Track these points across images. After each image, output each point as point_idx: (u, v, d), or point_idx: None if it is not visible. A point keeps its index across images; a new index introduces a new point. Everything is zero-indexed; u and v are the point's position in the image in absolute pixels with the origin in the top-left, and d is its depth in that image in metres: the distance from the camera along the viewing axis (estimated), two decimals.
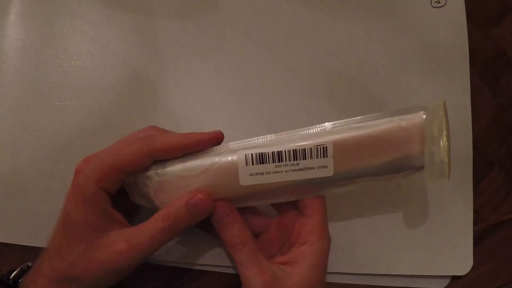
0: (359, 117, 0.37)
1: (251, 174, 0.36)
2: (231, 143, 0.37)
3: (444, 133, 0.37)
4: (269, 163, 0.36)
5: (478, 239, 0.52)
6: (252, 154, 0.36)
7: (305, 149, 0.36)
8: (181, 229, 0.35)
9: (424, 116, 0.37)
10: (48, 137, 0.44)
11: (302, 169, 0.36)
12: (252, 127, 0.48)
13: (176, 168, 0.36)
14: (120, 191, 0.37)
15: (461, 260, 0.50)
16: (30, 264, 0.38)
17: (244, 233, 0.37)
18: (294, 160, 0.36)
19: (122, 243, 0.34)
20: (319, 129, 0.37)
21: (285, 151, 0.36)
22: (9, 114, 0.46)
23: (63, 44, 0.47)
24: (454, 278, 0.50)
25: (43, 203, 0.43)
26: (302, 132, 0.37)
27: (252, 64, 0.48)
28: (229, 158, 0.36)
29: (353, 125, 0.36)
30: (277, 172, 0.36)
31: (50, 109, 0.46)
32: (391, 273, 0.47)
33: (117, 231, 0.35)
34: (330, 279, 0.47)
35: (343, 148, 0.36)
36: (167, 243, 0.36)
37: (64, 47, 0.47)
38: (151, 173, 0.36)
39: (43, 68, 0.47)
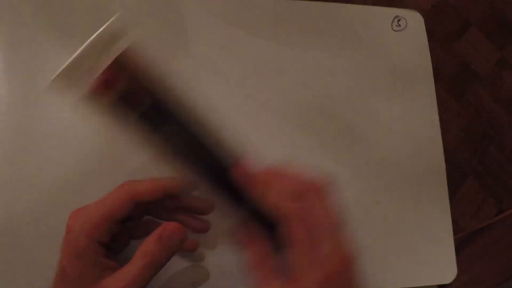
0: None
1: None
2: None
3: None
4: None
5: (461, 247, 0.54)
6: None
7: None
8: (162, 261, 0.36)
9: None
10: (40, 185, 0.46)
11: None
12: None
13: None
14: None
15: (445, 268, 0.52)
16: None
17: (257, 258, 0.39)
18: None
19: (111, 285, 0.35)
20: None
21: None
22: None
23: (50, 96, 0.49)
24: (441, 286, 0.52)
25: (38, 250, 0.45)
26: None
27: (224, 101, 0.50)
28: None
29: None
30: None
31: (40, 159, 0.47)
32: None
33: (108, 278, 0.36)
34: None
35: None
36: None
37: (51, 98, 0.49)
38: None
39: (29, 119, 0.48)
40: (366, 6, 0.59)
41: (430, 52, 0.58)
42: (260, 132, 0.49)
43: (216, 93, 0.50)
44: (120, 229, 0.38)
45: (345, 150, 0.51)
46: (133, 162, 0.47)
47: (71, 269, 0.35)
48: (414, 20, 0.59)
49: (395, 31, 0.58)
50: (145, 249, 0.36)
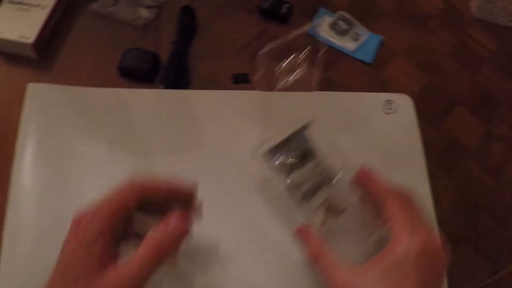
0: None
1: None
2: None
3: None
4: None
5: None
6: None
7: None
8: (168, 251, 0.38)
9: None
10: None
11: None
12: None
13: None
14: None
15: None
16: None
17: (318, 248, 0.46)
18: None
19: (115, 276, 0.36)
20: None
21: None
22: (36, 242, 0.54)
23: (74, 181, 0.54)
24: None
25: None
26: None
27: (234, 186, 0.57)
28: None
29: None
30: None
31: None
32: None
33: (112, 271, 0.36)
34: None
35: None
36: None
37: (75, 184, 0.54)
38: None
39: (55, 206, 0.52)
40: (359, 93, 0.66)
41: (420, 131, 0.64)
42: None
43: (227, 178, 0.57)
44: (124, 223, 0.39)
45: (342, 227, 0.56)
46: None
47: (78, 257, 0.36)
48: (404, 102, 0.66)
49: (387, 113, 0.65)
50: (151, 239, 0.37)
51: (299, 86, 0.49)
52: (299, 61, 0.44)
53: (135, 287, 0.36)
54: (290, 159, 0.52)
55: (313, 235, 0.47)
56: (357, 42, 0.71)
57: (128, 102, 0.60)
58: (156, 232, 0.38)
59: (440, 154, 0.67)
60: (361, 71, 0.70)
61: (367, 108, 0.65)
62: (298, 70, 0.44)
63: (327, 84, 0.68)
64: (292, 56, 0.43)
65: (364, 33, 0.72)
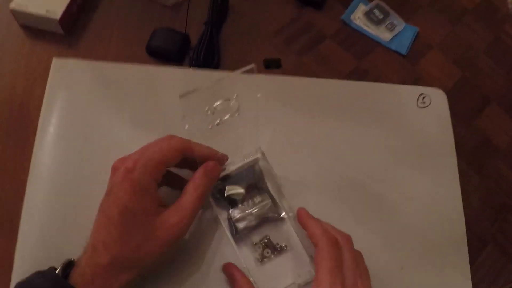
0: None
1: None
2: None
3: None
4: None
5: None
6: None
7: None
8: (208, 192, 0.46)
9: None
10: None
11: None
12: None
13: None
14: None
15: None
16: (72, 259, 0.41)
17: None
18: None
19: (174, 217, 0.41)
20: None
21: None
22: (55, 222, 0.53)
23: (98, 160, 0.52)
24: None
25: None
26: None
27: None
28: None
29: None
30: None
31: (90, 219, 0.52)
32: None
33: (166, 211, 0.42)
34: None
35: None
36: None
37: (98, 164, 0.50)
38: None
39: (76, 186, 0.52)
40: (394, 85, 0.65)
41: (452, 127, 0.63)
42: (295, 203, 0.54)
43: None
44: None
45: (374, 220, 0.55)
46: None
47: (136, 203, 0.40)
48: (438, 97, 0.64)
49: (420, 107, 0.63)
50: (196, 183, 0.44)
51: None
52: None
53: (188, 226, 0.42)
54: (238, 191, 0.51)
55: (240, 273, 0.47)
56: (392, 32, 0.69)
57: (156, 80, 0.58)
58: (198, 177, 0.44)
59: (470, 152, 0.65)
60: (395, 62, 0.68)
61: (400, 101, 0.63)
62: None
63: (359, 74, 0.66)
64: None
65: (400, 24, 0.70)
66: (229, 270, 0.47)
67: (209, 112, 0.40)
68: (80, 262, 0.40)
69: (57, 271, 0.40)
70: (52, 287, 0.38)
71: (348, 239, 0.46)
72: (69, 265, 0.40)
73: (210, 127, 0.42)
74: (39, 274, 0.40)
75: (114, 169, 0.43)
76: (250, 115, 0.44)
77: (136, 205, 0.40)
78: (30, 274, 0.40)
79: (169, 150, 0.43)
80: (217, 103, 0.40)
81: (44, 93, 0.56)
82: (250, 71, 0.38)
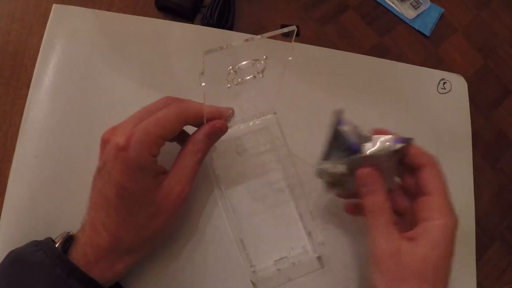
0: None
1: None
2: None
3: None
4: None
5: None
6: None
7: None
8: (206, 154, 0.42)
9: None
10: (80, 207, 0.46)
11: None
12: None
13: None
14: None
15: None
16: (71, 234, 0.38)
17: (384, 203, 0.39)
18: None
19: (176, 187, 0.38)
20: None
21: None
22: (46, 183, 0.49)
23: (95, 119, 0.49)
24: None
25: None
26: None
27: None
28: None
29: None
30: None
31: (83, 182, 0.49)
32: None
33: (166, 180, 0.38)
34: None
35: None
36: None
37: (96, 123, 0.48)
38: None
39: (70, 146, 0.48)
40: (415, 66, 0.61)
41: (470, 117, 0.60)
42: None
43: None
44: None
45: None
46: None
47: (134, 183, 0.36)
48: (459, 84, 0.61)
49: (440, 93, 0.60)
50: (197, 146, 0.40)
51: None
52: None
53: (190, 191, 0.40)
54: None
55: (383, 186, 0.40)
56: (417, 10, 0.65)
57: (165, 35, 0.54)
58: (200, 139, 0.40)
59: (486, 145, 0.62)
60: (417, 42, 0.65)
61: (420, 84, 0.60)
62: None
63: (381, 50, 0.62)
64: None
65: (426, 2, 0.66)
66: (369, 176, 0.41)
67: (231, 71, 0.36)
68: (80, 239, 0.37)
69: (56, 245, 0.37)
70: (53, 264, 0.35)
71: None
72: (68, 240, 0.37)
73: (228, 86, 0.39)
74: (36, 246, 0.36)
75: (104, 142, 0.38)
76: (273, 78, 0.40)
77: (134, 185, 0.36)
78: (25, 244, 0.37)
79: (168, 121, 0.38)
80: (244, 62, 0.36)
81: (41, 42, 0.51)
82: (289, 35, 0.36)
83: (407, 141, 0.41)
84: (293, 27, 0.35)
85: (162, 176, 0.39)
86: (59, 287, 0.34)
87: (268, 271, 0.46)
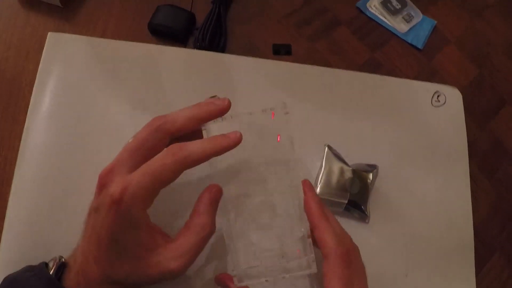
0: None
1: None
2: None
3: None
4: None
5: None
6: None
7: None
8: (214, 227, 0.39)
9: None
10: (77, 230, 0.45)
11: None
12: None
13: None
14: None
15: None
16: (63, 260, 0.38)
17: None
18: None
19: (173, 262, 0.36)
20: None
21: None
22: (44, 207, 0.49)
23: (91, 142, 0.50)
24: None
25: None
26: None
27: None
28: None
29: None
30: None
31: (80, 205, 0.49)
32: None
33: (164, 249, 0.37)
34: None
35: None
36: None
37: (92, 146, 0.50)
38: None
39: (68, 168, 0.48)
40: (408, 80, 0.61)
41: (466, 128, 0.60)
42: None
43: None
44: None
45: (378, 221, 0.53)
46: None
47: (127, 236, 0.35)
48: (453, 96, 0.61)
49: (435, 106, 0.60)
50: (201, 222, 0.38)
51: None
52: None
53: (187, 269, 0.38)
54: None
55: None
56: (409, 24, 0.65)
57: (158, 60, 0.55)
58: (204, 213, 0.39)
59: (483, 156, 0.62)
60: (410, 56, 0.65)
61: (414, 97, 0.60)
62: None
63: (373, 66, 0.63)
64: None
65: (418, 15, 0.66)
66: (223, 281, 0.42)
67: None
68: (72, 267, 0.37)
69: (51, 272, 0.37)
70: None
71: (357, 250, 0.43)
72: (61, 266, 0.38)
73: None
74: (31, 272, 0.37)
75: (100, 185, 0.37)
76: None
77: (127, 237, 0.35)
78: (20, 269, 0.38)
79: (165, 172, 0.35)
80: None
81: (37, 68, 0.52)
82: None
83: None
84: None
85: (161, 238, 0.38)
86: None
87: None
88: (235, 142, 0.38)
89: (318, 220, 0.41)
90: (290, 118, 0.42)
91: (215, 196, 0.40)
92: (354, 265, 0.41)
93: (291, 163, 0.43)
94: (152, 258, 0.36)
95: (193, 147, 0.36)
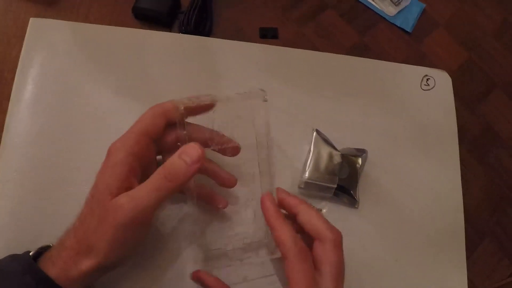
0: None
1: None
2: None
3: None
4: None
5: None
6: None
7: None
8: (179, 182, 0.37)
9: None
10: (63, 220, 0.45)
11: None
12: None
13: None
14: None
15: None
16: (51, 245, 0.39)
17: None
18: None
19: (123, 198, 0.36)
20: None
21: None
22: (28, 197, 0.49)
23: (75, 130, 0.49)
24: None
25: None
26: None
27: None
28: None
29: None
30: None
31: (65, 194, 0.46)
32: None
33: (124, 196, 0.36)
34: None
35: None
36: None
37: (76, 134, 0.49)
38: None
39: (52, 157, 0.48)
40: (397, 64, 0.61)
41: (455, 112, 0.60)
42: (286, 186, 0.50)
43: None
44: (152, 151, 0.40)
45: (369, 206, 0.52)
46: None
47: (101, 181, 0.37)
48: (443, 80, 0.61)
49: (424, 90, 0.59)
50: (162, 167, 0.37)
51: None
52: None
53: (142, 214, 0.36)
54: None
55: (212, 278, 0.43)
56: (398, 7, 0.65)
57: (143, 44, 0.54)
58: (168, 161, 0.37)
59: (473, 140, 0.62)
60: (399, 39, 0.64)
61: (403, 81, 0.60)
62: None
63: (361, 49, 0.62)
64: None
65: None
66: (199, 277, 0.43)
67: None
68: (54, 245, 0.38)
69: (30, 254, 0.38)
70: (22, 270, 0.36)
71: (339, 236, 0.42)
72: (45, 249, 0.38)
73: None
74: (13, 258, 0.38)
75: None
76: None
77: (102, 181, 0.37)
78: (4, 257, 0.38)
79: (148, 119, 0.39)
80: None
81: (19, 55, 0.51)
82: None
83: None
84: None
85: (126, 193, 0.37)
86: None
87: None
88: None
89: (275, 221, 0.41)
90: (268, 106, 0.42)
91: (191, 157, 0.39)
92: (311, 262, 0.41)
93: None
94: (111, 202, 0.36)
95: (171, 100, 0.40)
